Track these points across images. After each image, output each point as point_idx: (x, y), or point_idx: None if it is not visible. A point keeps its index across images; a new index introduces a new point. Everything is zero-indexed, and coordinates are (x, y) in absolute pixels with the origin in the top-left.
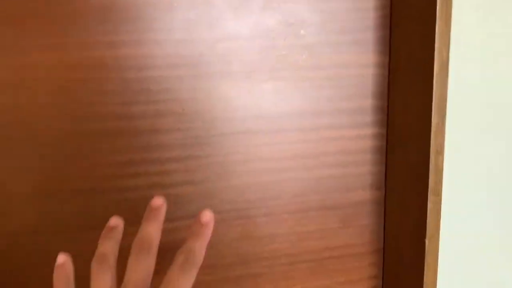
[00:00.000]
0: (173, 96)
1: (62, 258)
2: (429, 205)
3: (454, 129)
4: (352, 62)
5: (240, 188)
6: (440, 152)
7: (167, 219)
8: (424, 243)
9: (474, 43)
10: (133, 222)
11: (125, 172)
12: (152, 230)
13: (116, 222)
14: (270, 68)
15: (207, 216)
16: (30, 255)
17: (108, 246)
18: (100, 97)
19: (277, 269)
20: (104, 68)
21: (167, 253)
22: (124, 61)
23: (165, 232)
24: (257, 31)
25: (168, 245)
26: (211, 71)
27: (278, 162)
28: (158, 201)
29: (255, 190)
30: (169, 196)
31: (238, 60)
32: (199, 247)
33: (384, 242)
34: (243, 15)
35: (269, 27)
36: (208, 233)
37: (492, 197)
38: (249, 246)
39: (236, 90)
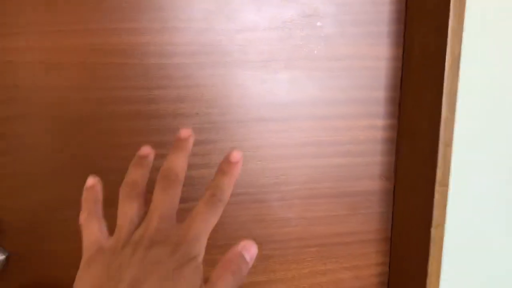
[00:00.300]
0: (192, 82)
1: (92, 181)
2: (436, 196)
3: (463, 122)
4: (366, 54)
5: (254, 172)
6: (449, 144)
7: (183, 200)
8: (430, 232)
9: (486, 39)
10: (149, 201)
11: None
12: (179, 161)
13: (147, 150)
14: (286, 58)
15: (237, 155)
16: (49, 231)
17: (138, 174)
18: (124, 82)
19: (287, 252)
20: (128, 54)
21: None
22: (147, 48)
23: (178, 212)
24: (275, 22)
25: None
26: (229, 60)
27: (291, 149)
28: (187, 132)
29: (269, 175)
30: (186, 177)
31: (255, 50)
32: (227, 184)
33: (391, 230)
34: (262, 6)
35: (286, 18)
36: (236, 171)
37: (498, 189)
38: (262, 228)
39: (253, 78)
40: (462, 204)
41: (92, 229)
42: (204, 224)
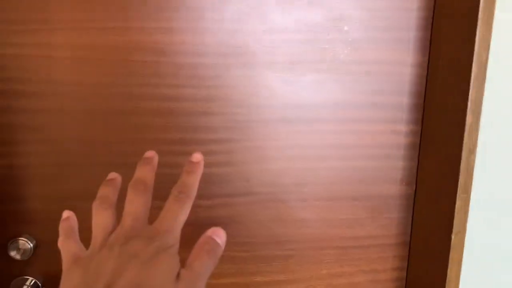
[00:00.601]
0: (221, 82)
1: (66, 214)
2: (458, 202)
3: (487, 129)
4: (392, 60)
5: (276, 172)
6: (472, 151)
7: (206, 197)
8: (450, 238)
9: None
10: None
11: (173, 149)
12: (146, 172)
13: (114, 175)
14: (312, 60)
15: (198, 156)
16: (81, 219)
17: (108, 190)
18: (155, 79)
19: (306, 253)
20: (160, 53)
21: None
22: (179, 47)
23: (203, 208)
24: (303, 25)
25: (206, 221)
26: (257, 61)
27: (314, 151)
28: (150, 153)
29: (290, 175)
30: (210, 175)
31: (283, 52)
32: (192, 181)
33: (411, 236)
34: (291, 9)
35: (314, 22)
36: (199, 170)
37: None
38: (282, 228)
39: (279, 80)
40: (483, 212)
41: (69, 247)
42: (175, 219)
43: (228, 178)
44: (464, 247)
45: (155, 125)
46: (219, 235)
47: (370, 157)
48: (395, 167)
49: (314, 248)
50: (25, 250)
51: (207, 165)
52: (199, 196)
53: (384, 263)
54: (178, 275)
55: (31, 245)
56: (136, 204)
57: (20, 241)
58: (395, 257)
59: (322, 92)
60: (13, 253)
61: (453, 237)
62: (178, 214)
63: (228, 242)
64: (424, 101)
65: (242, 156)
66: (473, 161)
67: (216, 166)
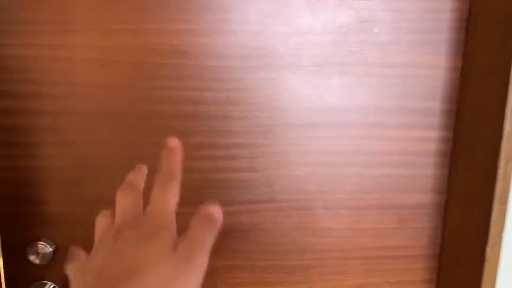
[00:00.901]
0: (243, 85)
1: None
2: (494, 213)
3: None
4: (422, 63)
5: (300, 179)
6: (510, 159)
7: (228, 203)
8: (485, 251)
9: None
10: (196, 202)
11: (194, 154)
12: (134, 176)
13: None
14: (339, 63)
15: (173, 143)
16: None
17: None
18: (176, 82)
19: (329, 263)
20: (182, 55)
21: (228, 235)
22: (200, 49)
23: (226, 215)
24: (330, 26)
25: (228, 227)
26: (282, 64)
27: (339, 157)
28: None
29: (314, 182)
30: (231, 180)
31: (309, 54)
32: (173, 165)
33: (441, 247)
34: (318, 10)
35: (342, 23)
36: (177, 154)
37: None
38: (305, 236)
39: (304, 83)
40: None
41: (121, 203)
42: (163, 202)
43: (250, 184)
44: (500, 261)
45: (175, 128)
46: (216, 209)
47: (399, 164)
48: (424, 175)
49: (338, 258)
50: (44, 254)
51: (229, 170)
52: (221, 202)
53: (411, 275)
54: (175, 247)
55: (51, 249)
56: (123, 202)
57: (40, 245)
58: (423, 269)
59: (349, 96)
60: (32, 257)
61: (488, 249)
62: (165, 197)
63: (248, 250)
64: (457, 106)
65: (264, 161)
66: (511, 169)
67: (238, 171)
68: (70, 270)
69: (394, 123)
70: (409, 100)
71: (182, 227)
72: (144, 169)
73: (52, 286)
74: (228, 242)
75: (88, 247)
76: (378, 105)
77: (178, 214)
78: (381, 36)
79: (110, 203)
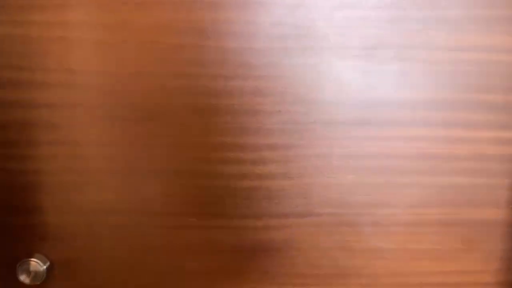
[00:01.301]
0: (275, 72)
1: None
2: None
3: None
4: (501, 46)
5: (343, 188)
6: None
7: (256, 216)
8: None
9: None
10: (218, 214)
11: (215, 156)
12: None
13: None
14: (397, 45)
15: None
16: (104, 235)
17: None
18: (193, 68)
19: None
20: (201, 34)
21: (258, 254)
22: (223, 27)
23: (253, 230)
24: None
25: (257, 245)
26: (323, 45)
27: (393, 162)
28: None
29: (362, 192)
30: (261, 189)
31: (358, 33)
32: None
33: None
34: None
35: None
36: None
37: None
38: (349, 258)
39: (352, 70)
40: None
41: None
42: None
43: (283, 194)
44: None
45: (192, 126)
46: None
47: (469, 172)
48: (499, 185)
49: (390, 284)
50: (36, 273)
51: (258, 177)
52: (247, 215)
53: None
54: None
55: (44, 267)
56: None
57: (32, 262)
58: None
59: (407, 87)
60: (22, 277)
61: None
62: None
63: (281, 273)
64: None
65: (300, 166)
66: None
67: (269, 178)
68: None
69: (463, 121)
70: (483, 93)
71: (199, 244)
72: None
73: None
74: (257, 263)
75: (89, 263)
76: (444, 99)
77: (193, 228)
78: (451, 12)
79: (114, 213)
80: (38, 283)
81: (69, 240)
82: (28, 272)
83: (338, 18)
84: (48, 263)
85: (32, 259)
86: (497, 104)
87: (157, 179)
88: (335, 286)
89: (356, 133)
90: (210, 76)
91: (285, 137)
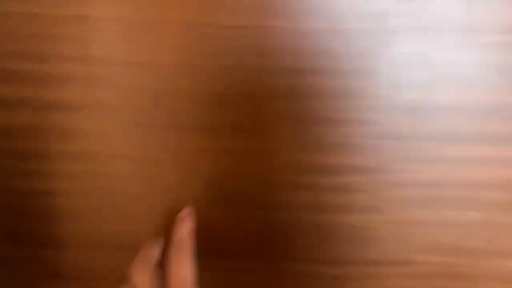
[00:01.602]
0: (370, 66)
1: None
2: None
3: None
4: None
5: (457, 229)
6: None
7: (330, 262)
8: None
9: None
10: (282, 256)
11: (279, 180)
12: (184, 235)
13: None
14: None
15: (185, 212)
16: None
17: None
18: (255, 58)
19: None
20: (269, 14)
21: None
22: (298, 3)
23: (329, 279)
24: None
25: None
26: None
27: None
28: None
29: (482, 234)
30: (341, 226)
31: (449, 17)
32: (185, 234)
33: None
34: None
35: None
36: (189, 223)
37: None
38: None
39: (445, 61)
40: None
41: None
42: (181, 278)
43: (370, 234)
44: None
45: (252, 138)
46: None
47: None
48: None
49: None
50: None
51: (336, 209)
52: (317, 260)
53: None
54: None
55: None
56: (140, 283)
57: None
58: None
59: None
60: None
61: None
62: (182, 272)
63: None
64: None
65: (396, 197)
66: None
67: (352, 212)
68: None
69: None
70: None
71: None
72: (160, 242)
73: None
74: None
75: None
76: None
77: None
78: None
79: (125, 249)
80: None
81: (87, 279)
82: None
83: None
84: None
85: None
86: None
87: (206, 208)
88: None
89: (474, 153)
90: (277, 70)
91: (377, 156)
